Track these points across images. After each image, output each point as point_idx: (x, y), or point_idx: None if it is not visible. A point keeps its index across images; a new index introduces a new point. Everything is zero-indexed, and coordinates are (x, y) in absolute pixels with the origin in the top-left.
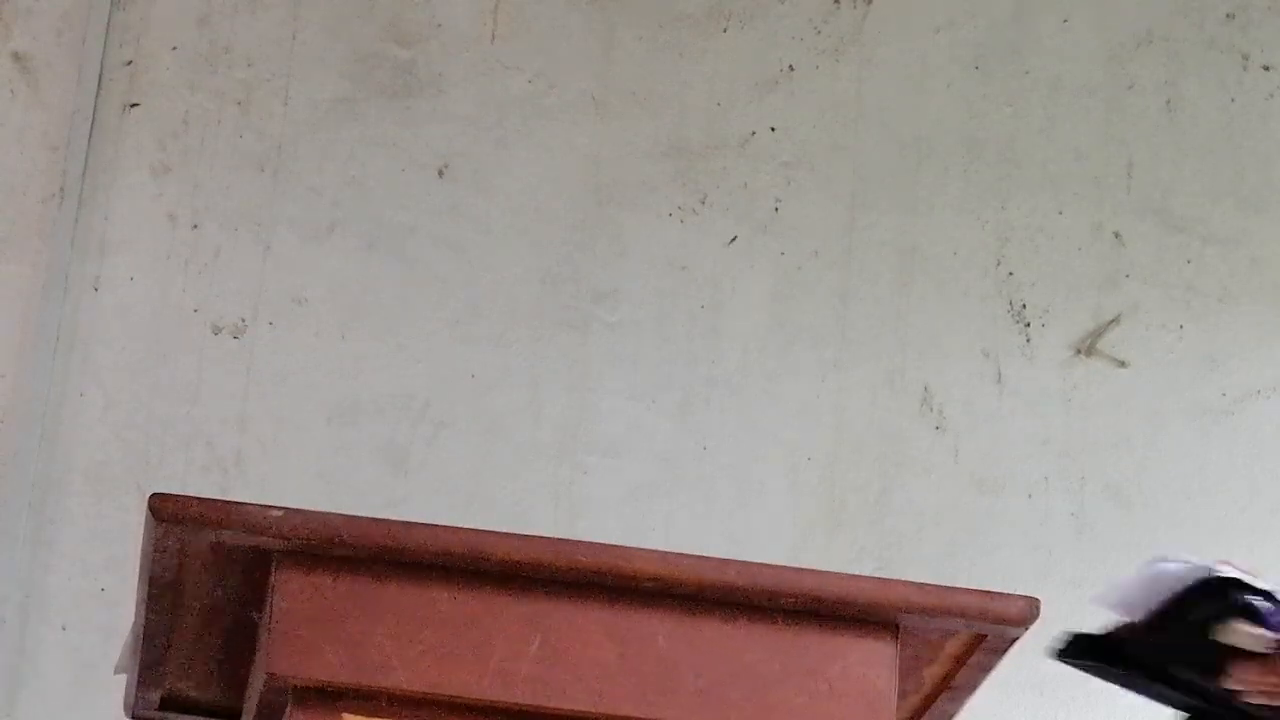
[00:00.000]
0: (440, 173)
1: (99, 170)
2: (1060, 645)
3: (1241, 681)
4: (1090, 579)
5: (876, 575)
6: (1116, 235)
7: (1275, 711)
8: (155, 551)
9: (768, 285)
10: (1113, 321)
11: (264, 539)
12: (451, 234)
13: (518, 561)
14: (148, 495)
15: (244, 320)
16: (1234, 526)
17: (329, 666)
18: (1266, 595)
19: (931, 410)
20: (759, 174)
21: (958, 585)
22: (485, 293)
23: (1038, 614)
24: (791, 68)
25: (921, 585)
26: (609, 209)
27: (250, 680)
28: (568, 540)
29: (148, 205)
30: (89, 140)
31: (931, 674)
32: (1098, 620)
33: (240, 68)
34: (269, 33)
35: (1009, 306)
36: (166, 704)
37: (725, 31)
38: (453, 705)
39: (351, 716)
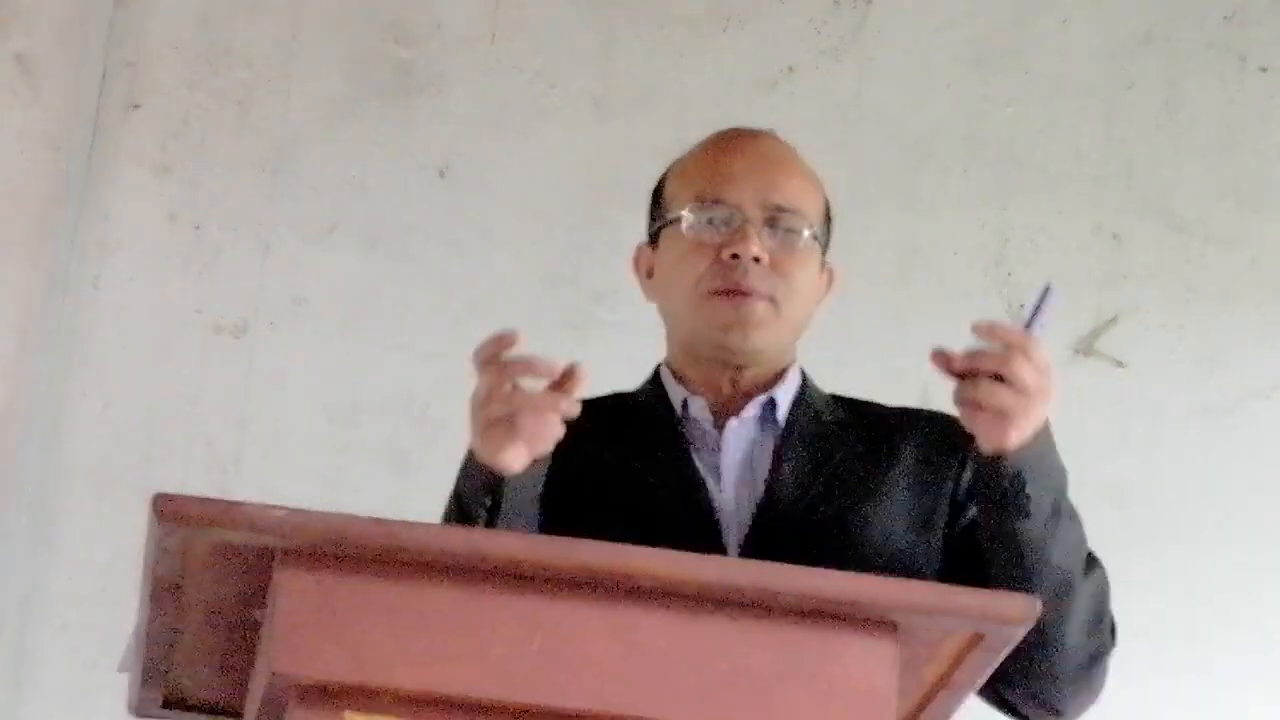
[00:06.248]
0: (441, 173)
1: (100, 170)
2: None
3: None
4: None
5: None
6: (1116, 236)
7: None
8: (157, 551)
9: None
10: (1111, 321)
11: (266, 539)
12: (452, 234)
13: (518, 561)
14: (148, 495)
15: (244, 320)
16: (1233, 526)
17: (331, 665)
18: None
19: None
20: None
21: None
22: (485, 292)
23: (1036, 613)
24: (791, 68)
25: (921, 584)
26: (609, 209)
27: (252, 679)
28: (568, 540)
29: (148, 205)
30: (90, 140)
31: (930, 673)
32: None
33: (241, 68)
34: (269, 33)
35: (1008, 307)
36: (169, 703)
37: (725, 32)
38: (454, 704)
39: (353, 714)
